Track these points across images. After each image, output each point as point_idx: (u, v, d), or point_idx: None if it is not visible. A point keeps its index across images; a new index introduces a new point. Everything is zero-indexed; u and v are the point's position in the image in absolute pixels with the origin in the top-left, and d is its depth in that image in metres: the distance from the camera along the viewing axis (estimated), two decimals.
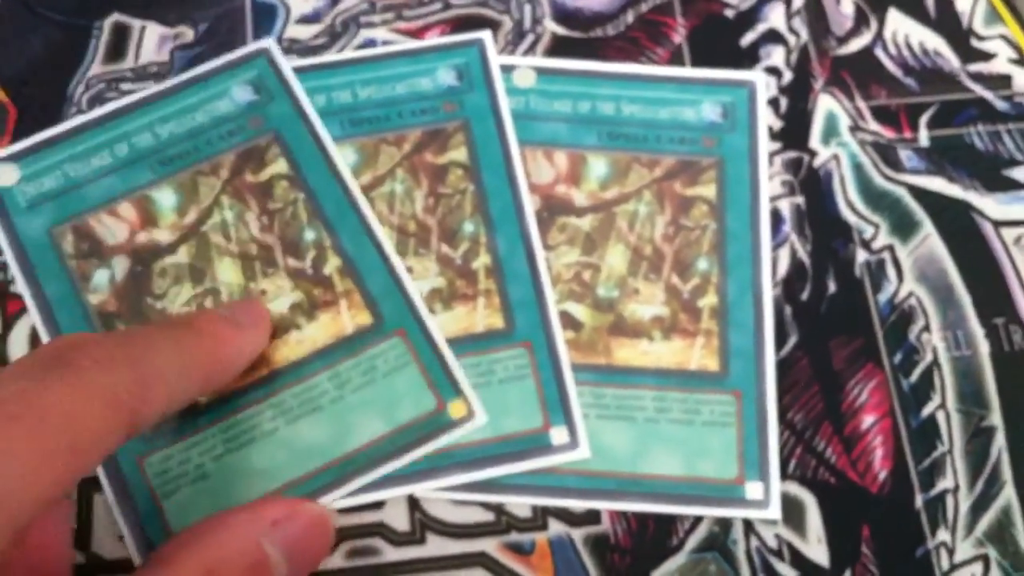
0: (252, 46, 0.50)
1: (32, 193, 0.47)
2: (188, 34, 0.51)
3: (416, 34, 0.51)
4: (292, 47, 0.51)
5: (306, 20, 0.52)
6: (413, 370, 0.45)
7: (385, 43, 0.51)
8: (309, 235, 0.47)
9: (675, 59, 0.51)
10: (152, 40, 0.51)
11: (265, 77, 0.49)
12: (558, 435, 0.45)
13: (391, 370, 0.45)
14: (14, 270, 0.46)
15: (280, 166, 0.47)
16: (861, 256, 0.48)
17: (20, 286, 0.46)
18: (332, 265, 0.46)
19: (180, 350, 0.39)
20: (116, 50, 0.51)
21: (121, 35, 0.51)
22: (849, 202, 0.49)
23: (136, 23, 0.52)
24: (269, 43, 0.49)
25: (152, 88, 0.49)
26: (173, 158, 0.48)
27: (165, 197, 0.47)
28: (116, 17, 0.52)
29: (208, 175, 0.47)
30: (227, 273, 0.46)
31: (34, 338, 0.46)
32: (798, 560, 0.44)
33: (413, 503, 0.45)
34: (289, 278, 0.46)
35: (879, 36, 0.52)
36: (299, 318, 0.46)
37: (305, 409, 0.45)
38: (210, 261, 0.46)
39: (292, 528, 0.40)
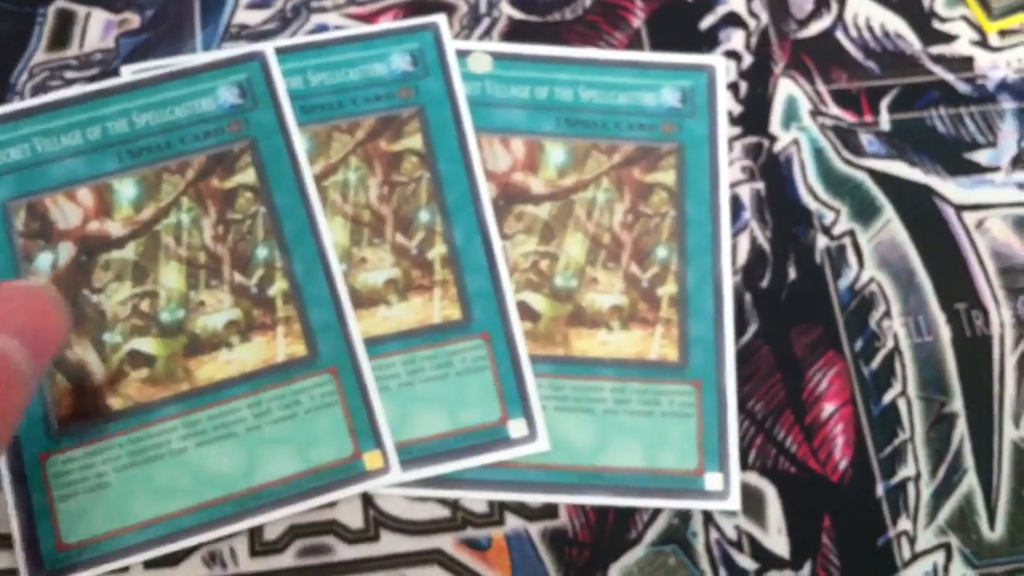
0: (248, 48, 0.48)
1: None
2: (134, 20, 0.50)
3: (369, 19, 0.51)
4: (241, 33, 0.50)
5: (256, 5, 0.51)
6: (337, 412, 0.44)
7: (337, 28, 0.50)
8: (262, 252, 0.46)
9: (634, 43, 0.51)
10: (97, 26, 0.50)
11: (255, 82, 0.48)
12: (516, 428, 0.44)
13: (315, 408, 0.44)
14: None
15: (248, 176, 0.46)
16: (822, 242, 0.48)
17: None
18: (278, 288, 0.45)
19: None
20: (60, 37, 0.50)
21: (66, 22, 0.50)
22: (810, 187, 0.49)
23: (81, 9, 0.51)
24: (267, 48, 0.48)
25: (137, 75, 0.48)
26: (143, 150, 0.46)
27: (126, 189, 0.46)
28: (61, 3, 0.51)
29: (173, 173, 0.46)
30: (170, 278, 0.45)
31: None
32: (758, 551, 0.44)
33: (367, 499, 0.44)
34: (231, 293, 0.45)
35: (840, 18, 0.52)
36: (232, 337, 0.45)
37: (219, 434, 0.44)
38: (156, 262, 0.45)
39: (22, 314, 0.38)
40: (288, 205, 0.46)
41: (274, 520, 0.43)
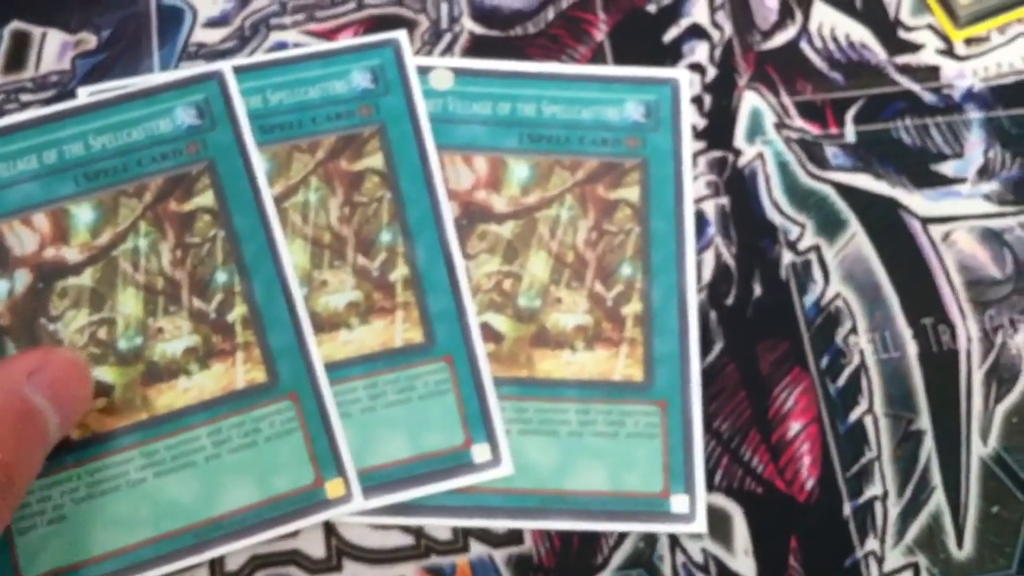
0: (205, 67, 0.48)
1: None
2: (91, 40, 0.50)
3: (329, 36, 0.50)
4: (199, 52, 0.49)
5: (214, 23, 0.50)
6: (298, 439, 0.44)
7: (296, 45, 0.49)
8: (221, 277, 0.45)
9: (597, 57, 0.50)
10: (53, 48, 0.49)
11: (212, 102, 0.47)
12: (480, 452, 0.44)
13: (275, 435, 0.44)
14: None
15: (207, 199, 0.46)
16: (787, 257, 0.48)
17: None
18: (237, 313, 0.45)
19: None
20: (16, 59, 0.49)
21: (21, 43, 0.50)
22: (775, 202, 0.48)
23: (36, 30, 0.50)
24: (224, 67, 0.47)
25: (94, 96, 0.47)
26: (99, 173, 0.46)
27: (83, 213, 0.46)
28: (15, 24, 0.50)
29: (131, 196, 0.46)
30: (128, 304, 0.45)
31: None
32: (724, 574, 0.44)
33: (329, 528, 0.44)
34: (190, 319, 0.45)
35: (804, 29, 0.52)
36: (191, 364, 0.44)
37: (177, 463, 0.43)
38: (113, 289, 0.45)
39: (49, 374, 0.40)
40: (247, 228, 0.45)
41: (235, 551, 0.43)
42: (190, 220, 0.46)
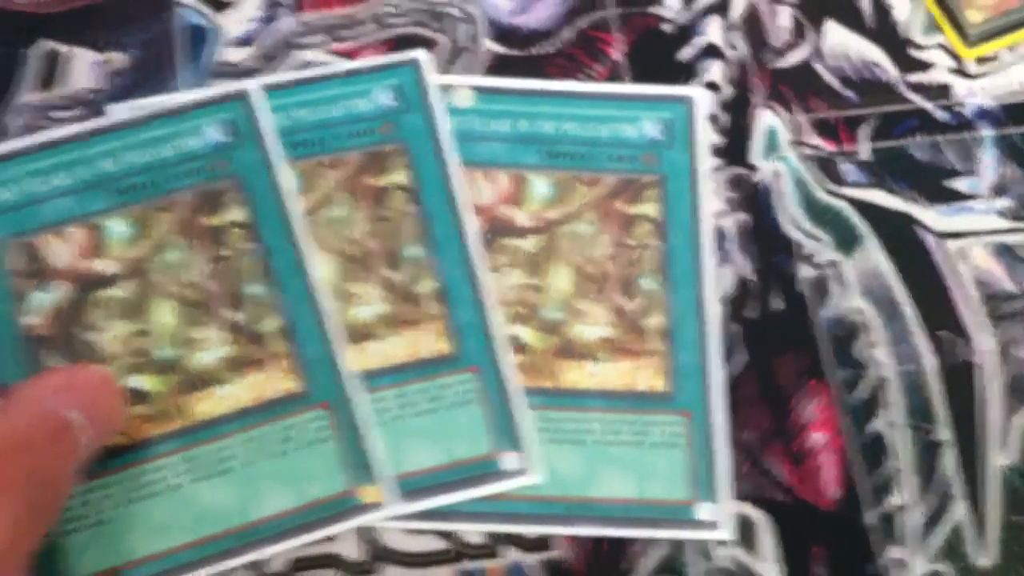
0: (232, 86, 0.48)
1: None
2: (119, 59, 0.50)
3: (351, 55, 0.51)
4: (224, 70, 0.50)
5: (239, 43, 0.51)
6: (331, 447, 0.44)
7: (320, 65, 0.50)
8: (253, 289, 0.46)
9: (614, 75, 0.51)
10: (82, 66, 0.50)
11: (239, 120, 0.48)
12: (508, 461, 0.44)
13: (309, 443, 0.44)
14: None
15: (237, 214, 0.46)
16: (805, 272, 0.48)
17: None
18: (270, 324, 0.45)
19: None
20: (46, 78, 0.50)
21: (51, 62, 0.50)
22: (792, 217, 0.49)
23: (66, 49, 0.51)
24: (251, 86, 0.48)
25: (124, 114, 0.48)
26: (132, 188, 0.46)
27: (117, 227, 0.46)
28: (45, 44, 0.51)
29: (163, 211, 0.46)
30: (163, 315, 0.45)
31: None
32: None
33: (365, 533, 0.44)
34: (224, 330, 0.45)
35: (818, 48, 0.52)
36: (225, 373, 0.45)
37: (215, 469, 0.44)
38: (148, 300, 0.45)
39: (79, 389, 0.41)
40: (277, 242, 0.46)
41: (272, 555, 0.43)
42: (221, 234, 0.46)
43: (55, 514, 0.38)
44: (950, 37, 0.52)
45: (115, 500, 0.43)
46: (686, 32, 0.52)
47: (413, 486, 0.44)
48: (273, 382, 0.45)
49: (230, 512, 0.43)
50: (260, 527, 0.43)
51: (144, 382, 0.44)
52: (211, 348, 0.45)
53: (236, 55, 0.50)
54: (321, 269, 0.46)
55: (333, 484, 0.44)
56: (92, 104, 0.49)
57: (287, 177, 0.47)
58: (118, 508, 0.43)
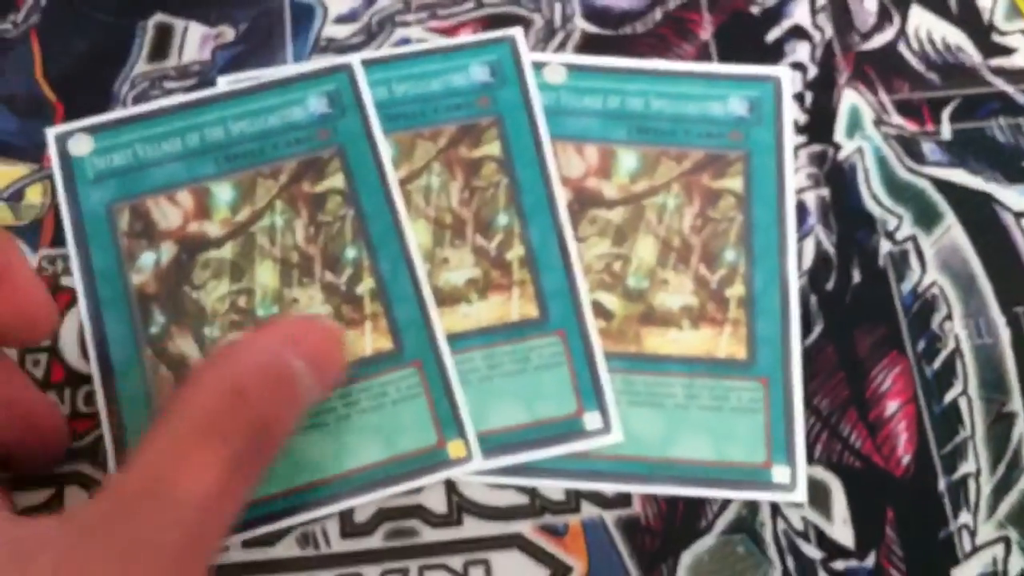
0: (337, 60, 0.51)
1: (101, 167, 0.49)
2: (229, 33, 0.52)
3: (449, 32, 0.53)
4: (329, 46, 0.52)
5: (343, 20, 0.53)
6: (421, 403, 0.46)
7: (419, 41, 0.52)
8: (350, 253, 0.48)
9: (702, 55, 0.53)
10: (194, 39, 0.52)
11: (343, 92, 0.50)
12: (591, 420, 0.46)
13: (401, 399, 0.46)
14: (68, 238, 0.48)
15: (337, 181, 0.49)
16: (885, 247, 0.49)
17: (71, 254, 0.48)
18: (366, 286, 0.48)
19: None
20: (159, 49, 0.52)
21: (164, 34, 0.53)
22: (873, 194, 0.50)
23: (179, 22, 0.53)
24: (354, 60, 0.50)
25: (233, 85, 0.50)
26: (238, 156, 0.49)
27: (223, 192, 0.49)
28: (159, 17, 0.53)
29: (267, 178, 0.49)
30: (265, 276, 0.48)
31: (82, 334, 0.48)
32: (824, 541, 0.45)
33: (450, 486, 0.46)
34: (322, 291, 0.48)
35: (902, 32, 0.53)
36: None
37: (310, 422, 0.46)
38: (252, 262, 0.48)
39: (309, 341, 0.41)
40: (374, 208, 0.48)
41: (363, 504, 0.45)
42: (322, 200, 0.48)
43: (269, 462, 0.39)
44: None
45: None
46: (773, 14, 0.54)
47: (499, 442, 0.46)
48: (368, 341, 0.47)
49: (324, 463, 0.45)
50: (351, 477, 0.45)
51: None
52: (310, 308, 0.47)
53: (341, 31, 0.53)
54: (416, 235, 0.48)
55: (423, 438, 0.45)
56: (203, 75, 0.51)
57: (385, 147, 0.49)
58: None
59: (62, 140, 0.49)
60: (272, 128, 0.49)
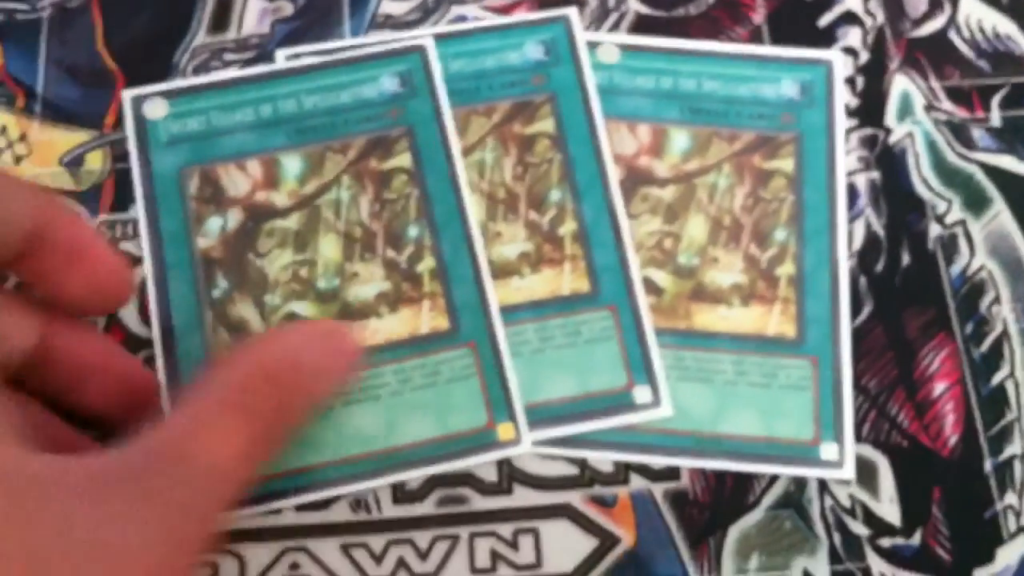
0: (410, 41, 0.51)
1: (174, 131, 0.49)
2: (287, 7, 0.53)
3: (504, 11, 0.53)
4: (387, 22, 0.52)
5: None
6: (474, 384, 0.47)
7: (475, 19, 0.53)
8: (413, 231, 0.48)
9: (754, 38, 0.53)
10: (253, 13, 0.53)
11: (415, 73, 0.50)
12: (641, 394, 0.46)
13: (453, 379, 0.47)
14: (139, 199, 0.49)
15: (404, 160, 0.49)
16: (934, 230, 0.50)
17: (140, 215, 0.49)
18: (426, 265, 0.48)
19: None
20: (219, 22, 0.53)
21: (224, 7, 0.53)
22: (923, 178, 0.51)
23: None
24: (427, 42, 0.51)
25: (307, 60, 0.51)
26: (309, 129, 0.49)
27: (292, 164, 0.49)
28: None
29: (336, 152, 0.49)
30: (328, 248, 0.48)
31: (141, 298, 0.48)
32: (870, 519, 0.46)
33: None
34: (383, 267, 0.48)
35: (953, 20, 0.54)
36: (382, 307, 0.47)
37: (364, 396, 0.46)
38: (316, 233, 0.48)
39: (335, 341, 0.43)
40: (439, 189, 0.49)
41: (411, 479, 0.46)
42: (388, 178, 0.49)
43: (282, 445, 0.41)
44: None
45: None
46: (826, 0, 0.54)
47: (550, 414, 0.46)
48: (425, 319, 0.47)
49: (375, 436, 0.46)
50: (401, 452, 0.46)
51: (305, 309, 0.47)
52: (370, 283, 0.48)
53: (398, 8, 0.53)
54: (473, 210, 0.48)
55: (474, 419, 0.46)
56: (262, 48, 0.52)
57: (453, 130, 0.50)
58: None
59: (138, 103, 0.50)
60: (344, 104, 0.50)
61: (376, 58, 0.51)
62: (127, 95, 0.50)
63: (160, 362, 0.47)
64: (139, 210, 0.48)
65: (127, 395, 0.44)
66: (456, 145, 0.50)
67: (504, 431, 0.46)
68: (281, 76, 0.50)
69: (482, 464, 0.46)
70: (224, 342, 0.47)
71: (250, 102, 0.50)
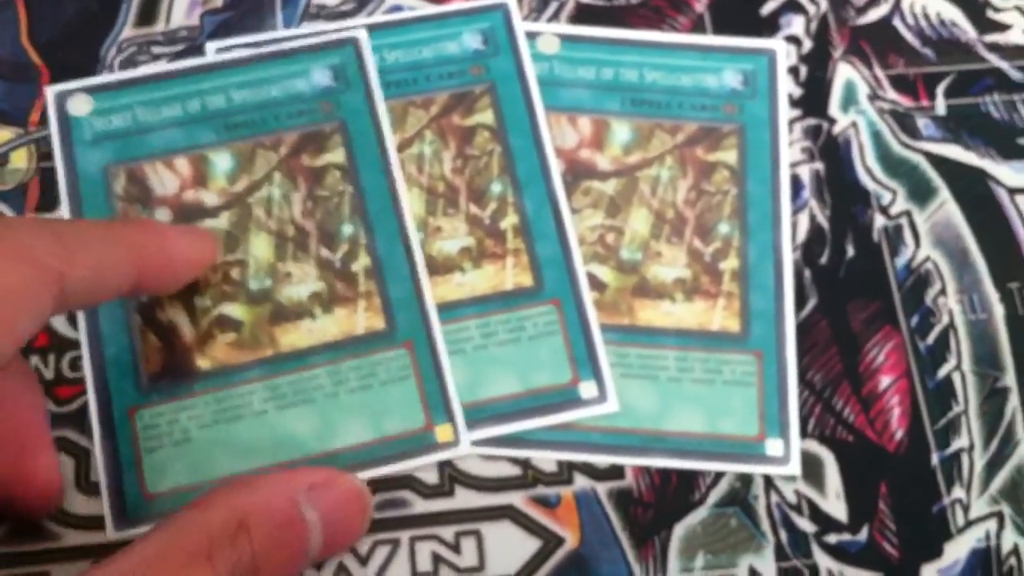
0: (343, 33, 0.50)
1: (99, 128, 0.48)
2: None
3: (442, 0, 0.52)
4: (320, 12, 0.51)
5: None
6: (411, 385, 0.46)
7: (411, 9, 0.52)
8: (347, 229, 0.47)
9: (697, 28, 0.52)
10: (182, 4, 0.52)
11: (347, 65, 0.49)
12: (587, 389, 0.46)
13: (390, 380, 0.46)
14: (63, 198, 0.47)
15: (337, 156, 0.48)
16: (879, 221, 0.49)
17: (64, 215, 0.47)
18: (361, 263, 0.47)
19: (108, 229, 0.40)
20: (147, 14, 0.52)
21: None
22: (868, 168, 0.50)
23: None
24: (360, 34, 0.50)
25: (236, 53, 0.50)
26: (239, 125, 0.48)
27: (222, 161, 0.48)
28: None
29: (267, 148, 0.48)
30: (260, 248, 0.47)
31: None
32: (817, 515, 0.45)
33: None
34: (317, 267, 0.47)
35: (897, 6, 0.53)
36: (316, 308, 0.46)
37: (298, 398, 0.45)
38: (247, 232, 0.47)
39: (330, 495, 0.41)
40: (374, 185, 0.48)
41: None
42: (321, 175, 0.48)
43: None
44: None
45: (201, 420, 0.45)
46: None
47: (494, 412, 0.45)
48: (360, 319, 0.46)
49: (309, 440, 0.45)
50: (336, 456, 0.45)
51: (236, 311, 0.46)
52: (303, 283, 0.47)
53: None
54: (410, 204, 0.47)
55: (411, 421, 0.45)
56: (191, 41, 0.51)
57: (388, 124, 0.49)
58: (203, 428, 0.44)
59: (61, 99, 0.49)
60: (274, 99, 0.49)
61: (307, 51, 0.50)
62: (50, 91, 0.49)
63: (87, 366, 0.45)
64: (64, 209, 0.47)
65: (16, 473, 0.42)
66: (391, 139, 0.49)
67: (442, 433, 0.45)
68: (209, 70, 0.49)
69: (421, 467, 0.45)
70: (154, 346, 0.45)
71: (177, 97, 0.49)
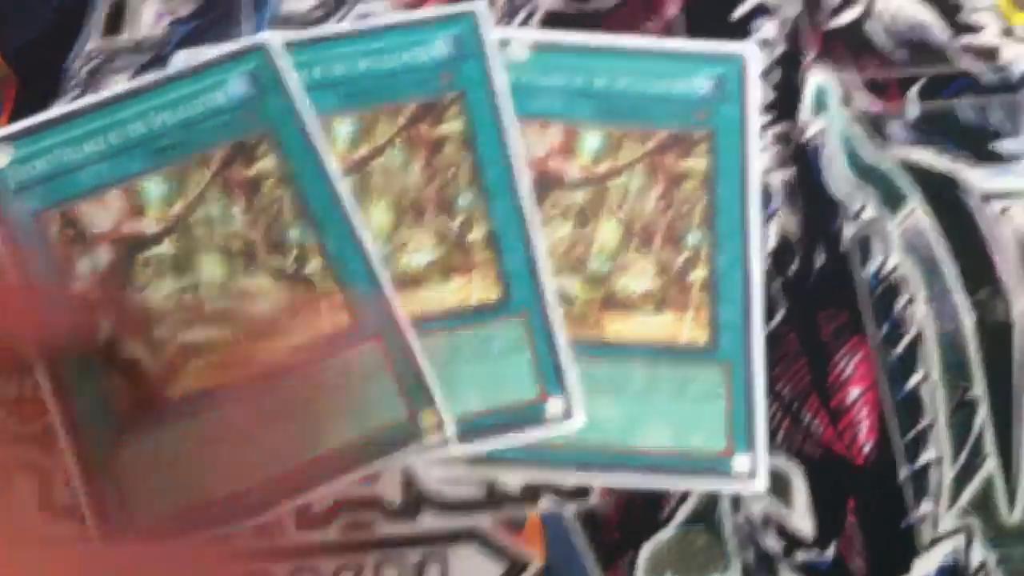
0: (250, 40, 0.49)
1: (23, 176, 0.48)
2: (185, 7, 0.51)
3: (412, 6, 0.52)
4: (291, 20, 0.51)
5: None
6: (386, 377, 0.45)
7: (381, 15, 0.51)
8: (293, 234, 0.47)
9: (669, 32, 0.52)
10: (149, 14, 0.51)
11: (262, 71, 0.49)
12: (555, 405, 0.45)
13: (366, 377, 0.45)
14: (2, 252, 0.47)
15: (269, 162, 0.48)
16: (849, 229, 0.49)
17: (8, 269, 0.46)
18: (314, 265, 0.47)
19: None
20: (114, 24, 0.51)
21: (119, 9, 0.51)
22: (838, 175, 0.50)
23: None
24: (267, 37, 0.49)
25: (148, 76, 0.49)
26: (165, 148, 0.48)
27: (154, 187, 0.47)
28: None
29: (198, 167, 0.48)
30: (211, 268, 0.47)
31: None
32: (784, 532, 0.45)
33: (408, 478, 0.45)
34: (270, 276, 0.47)
35: (869, 9, 0.53)
36: (280, 321, 0.46)
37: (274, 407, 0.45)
38: (194, 255, 0.47)
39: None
40: (313, 185, 0.48)
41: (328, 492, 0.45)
42: (256, 184, 0.48)
43: None
44: (999, 1, 0.53)
45: (181, 447, 0.44)
46: None
47: (460, 430, 0.45)
48: (325, 319, 0.46)
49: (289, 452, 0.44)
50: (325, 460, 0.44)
51: (198, 335, 0.46)
52: (262, 296, 0.46)
53: (301, 5, 0.52)
54: (375, 216, 0.47)
55: (393, 412, 0.45)
56: (159, 50, 0.51)
57: (315, 123, 0.48)
58: (183, 455, 0.44)
59: None
60: (196, 116, 0.48)
61: (218, 63, 0.49)
62: None
63: (59, 418, 0.45)
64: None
65: None
66: (321, 138, 0.48)
67: (426, 417, 0.45)
68: (124, 98, 0.49)
69: (389, 475, 0.45)
70: (121, 388, 0.45)
71: (98, 131, 0.48)
